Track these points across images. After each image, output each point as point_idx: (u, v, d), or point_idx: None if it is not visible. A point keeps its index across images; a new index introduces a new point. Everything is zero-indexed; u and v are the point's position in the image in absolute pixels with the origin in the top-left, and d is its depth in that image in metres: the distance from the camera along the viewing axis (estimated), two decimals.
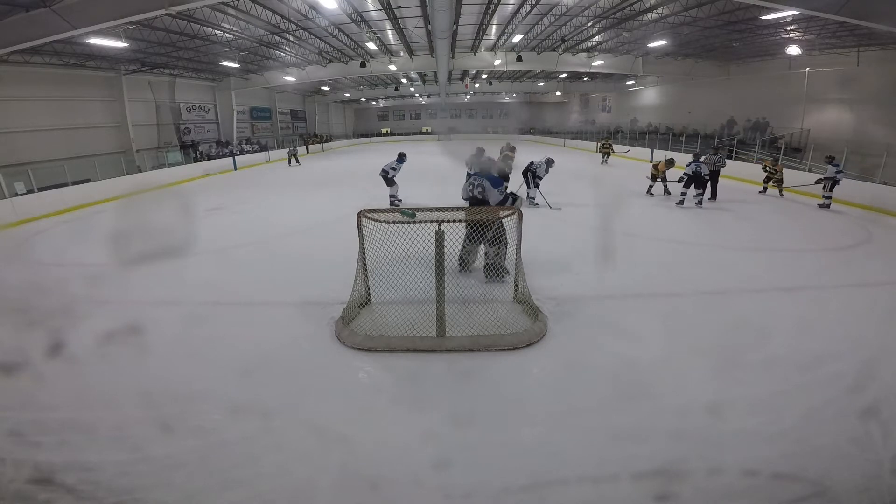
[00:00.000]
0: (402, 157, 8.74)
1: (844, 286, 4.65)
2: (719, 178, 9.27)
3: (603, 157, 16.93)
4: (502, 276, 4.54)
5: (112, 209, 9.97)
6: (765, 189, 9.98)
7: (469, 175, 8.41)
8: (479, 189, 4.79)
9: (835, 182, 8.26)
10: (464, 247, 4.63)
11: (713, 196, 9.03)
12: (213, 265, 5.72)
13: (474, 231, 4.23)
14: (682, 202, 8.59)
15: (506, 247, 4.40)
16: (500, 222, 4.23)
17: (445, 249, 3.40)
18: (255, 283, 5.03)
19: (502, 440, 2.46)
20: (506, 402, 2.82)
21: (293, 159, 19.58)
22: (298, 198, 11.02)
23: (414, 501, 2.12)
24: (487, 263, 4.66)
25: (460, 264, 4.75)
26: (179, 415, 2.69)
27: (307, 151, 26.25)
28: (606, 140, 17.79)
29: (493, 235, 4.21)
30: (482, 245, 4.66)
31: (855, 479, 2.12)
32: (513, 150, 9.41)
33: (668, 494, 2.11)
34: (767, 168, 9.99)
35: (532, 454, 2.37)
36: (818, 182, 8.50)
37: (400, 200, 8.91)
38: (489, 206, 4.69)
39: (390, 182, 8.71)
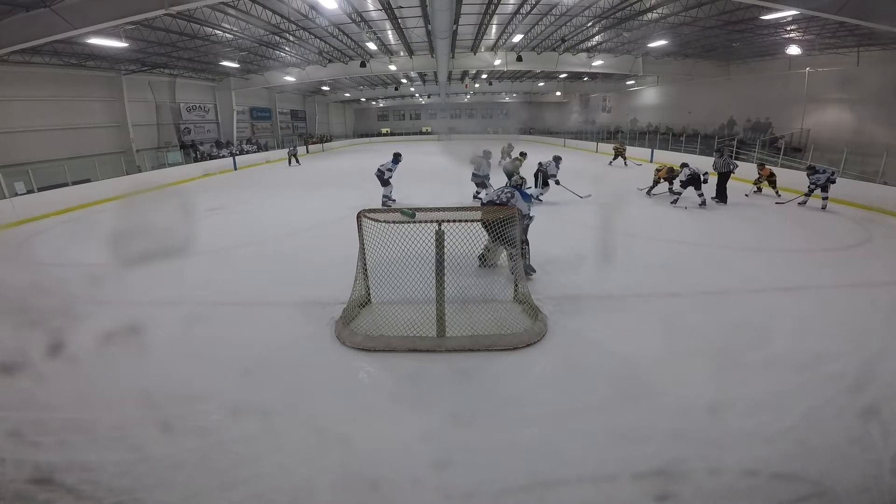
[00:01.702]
0: (397, 158, 8.74)
1: (844, 286, 4.64)
2: (728, 181, 9.02)
3: (615, 157, 16.64)
4: (525, 274, 4.50)
5: (112, 209, 9.97)
6: (759, 189, 9.92)
7: (476, 175, 8.48)
8: (507, 195, 4.73)
9: (829, 182, 8.00)
10: (486, 246, 4.76)
11: (722, 199, 8.82)
12: (213, 265, 5.72)
13: (493, 232, 4.20)
14: (675, 201, 8.69)
15: (521, 246, 4.35)
16: (513, 224, 4.10)
17: (446, 249, 3.40)
18: (255, 283, 5.04)
19: (502, 440, 2.46)
20: (506, 402, 2.83)
21: (293, 159, 19.60)
22: (298, 198, 11.02)
23: (414, 501, 2.12)
24: (510, 265, 4.60)
25: (480, 260, 4.92)
26: (179, 415, 2.69)
27: (307, 151, 26.26)
28: (620, 143, 17.54)
29: (508, 237, 4.10)
30: (503, 247, 4.60)
31: (855, 479, 2.12)
32: (523, 154, 9.44)
33: (668, 494, 2.11)
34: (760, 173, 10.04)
35: (532, 454, 2.37)
36: (811, 191, 8.20)
37: (393, 200, 8.90)
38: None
39: (385, 182, 8.70)
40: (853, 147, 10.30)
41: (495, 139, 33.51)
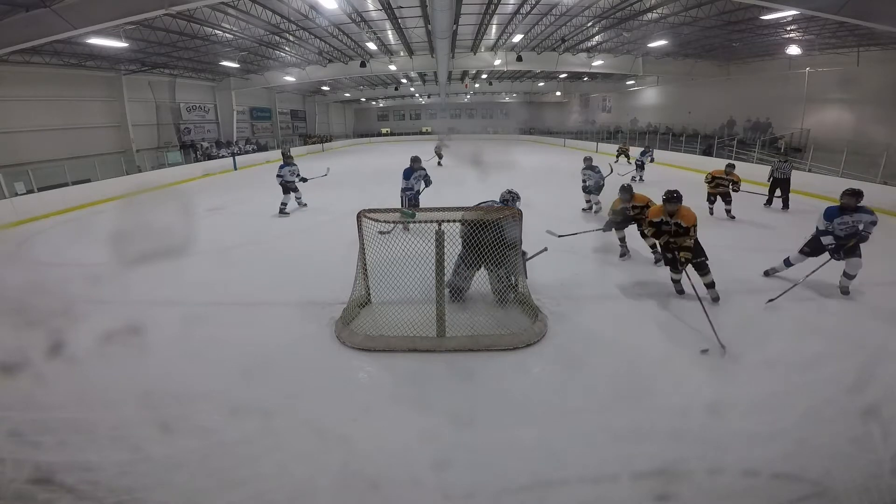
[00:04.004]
0: (288, 161, 8.58)
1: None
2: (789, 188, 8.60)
3: (618, 158, 16.47)
4: (511, 297, 4.00)
5: (112, 209, 9.96)
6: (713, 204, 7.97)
7: (405, 190, 6.88)
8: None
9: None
10: (457, 271, 3.89)
11: (785, 206, 8.64)
12: (213, 265, 5.71)
13: (473, 252, 3.62)
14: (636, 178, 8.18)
15: (517, 271, 3.86)
16: (512, 245, 3.67)
17: (446, 249, 3.40)
18: (255, 283, 5.03)
19: (502, 440, 2.46)
20: (506, 402, 2.82)
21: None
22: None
23: (414, 501, 2.11)
24: (498, 288, 3.97)
25: (452, 293, 3.91)
26: (179, 415, 2.69)
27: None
28: (624, 143, 17.39)
29: (497, 256, 3.61)
30: (481, 270, 3.95)
31: (855, 479, 2.12)
32: (628, 190, 5.82)
33: (668, 494, 2.11)
34: (718, 176, 7.76)
35: (532, 454, 2.37)
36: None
37: (304, 205, 8.94)
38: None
39: (290, 189, 8.53)
40: (853, 147, 10.29)
41: (496, 139, 33.55)
